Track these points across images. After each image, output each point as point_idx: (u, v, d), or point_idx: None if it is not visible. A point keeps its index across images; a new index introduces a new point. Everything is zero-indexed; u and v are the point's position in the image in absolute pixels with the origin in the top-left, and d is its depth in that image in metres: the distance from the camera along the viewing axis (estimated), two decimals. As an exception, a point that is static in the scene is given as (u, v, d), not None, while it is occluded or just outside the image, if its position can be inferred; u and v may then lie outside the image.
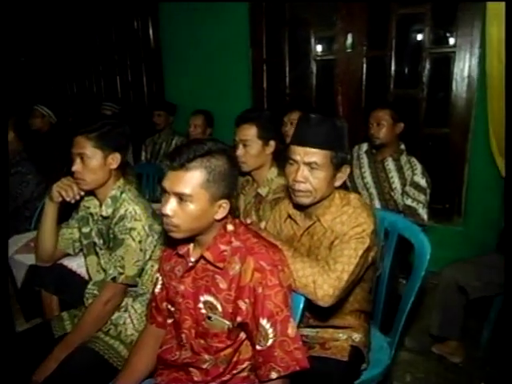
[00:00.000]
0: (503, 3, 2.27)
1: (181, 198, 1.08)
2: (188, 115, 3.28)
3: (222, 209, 1.12)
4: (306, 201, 1.29)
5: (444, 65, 2.71)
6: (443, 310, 2.14)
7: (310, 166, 1.25)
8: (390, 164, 2.33)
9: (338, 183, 1.30)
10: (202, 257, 1.17)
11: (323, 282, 1.19)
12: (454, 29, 2.64)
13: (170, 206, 1.09)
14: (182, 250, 1.21)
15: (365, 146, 2.48)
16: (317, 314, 1.39)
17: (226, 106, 3.19)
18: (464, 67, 2.64)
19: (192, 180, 1.07)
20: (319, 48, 3.17)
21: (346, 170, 1.31)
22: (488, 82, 2.42)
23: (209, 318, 1.17)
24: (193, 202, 1.08)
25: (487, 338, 2.24)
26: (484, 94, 2.47)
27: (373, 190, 2.34)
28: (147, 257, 1.53)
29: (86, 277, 1.73)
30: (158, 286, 1.32)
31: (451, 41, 2.68)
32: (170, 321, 1.30)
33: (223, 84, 3.51)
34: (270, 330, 1.07)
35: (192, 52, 3.60)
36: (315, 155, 1.24)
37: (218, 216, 1.12)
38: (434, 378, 2.09)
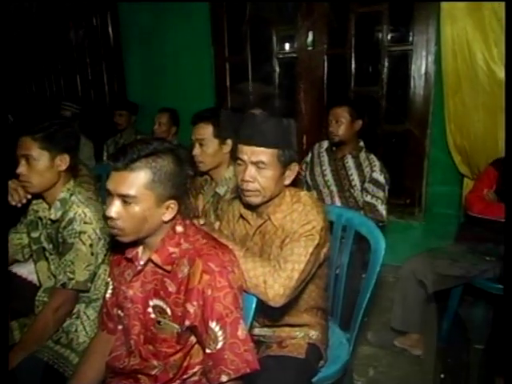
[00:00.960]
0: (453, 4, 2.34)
1: (125, 199, 1.04)
2: (150, 114, 3.22)
3: (170, 210, 1.10)
4: (255, 200, 1.27)
5: (402, 62, 2.76)
6: (403, 303, 2.17)
7: (258, 166, 1.24)
8: (350, 161, 2.35)
9: (287, 181, 1.30)
10: (150, 260, 1.14)
11: (274, 282, 1.17)
12: (410, 27, 2.69)
13: (115, 209, 1.05)
14: (131, 253, 1.18)
15: (325, 144, 2.49)
16: (273, 313, 1.38)
17: (190, 104, 3.13)
18: (421, 65, 2.69)
19: (136, 181, 1.04)
20: (281, 46, 3.17)
21: (294, 168, 1.30)
22: (444, 79, 2.48)
23: (158, 322, 1.14)
24: (138, 204, 1.05)
25: (446, 330, 2.29)
26: (441, 90, 2.53)
27: (333, 188, 2.36)
28: (99, 261, 1.49)
29: (38, 283, 1.67)
30: (109, 291, 1.28)
31: (408, 39, 2.72)
32: (120, 327, 1.26)
33: (186, 83, 3.47)
34: (220, 333, 1.05)
35: (154, 50, 3.54)
36: (262, 154, 1.22)
37: (166, 217, 1.10)
38: (396, 371, 2.12)
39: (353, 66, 2.89)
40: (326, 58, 2.97)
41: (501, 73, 2.25)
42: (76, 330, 1.50)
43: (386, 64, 2.78)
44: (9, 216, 1.60)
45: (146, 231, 1.09)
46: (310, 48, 2.99)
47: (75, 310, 1.51)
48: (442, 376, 2.06)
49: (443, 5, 2.37)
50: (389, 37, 2.76)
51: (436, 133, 2.67)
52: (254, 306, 1.20)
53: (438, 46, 2.51)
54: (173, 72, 3.50)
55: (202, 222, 1.34)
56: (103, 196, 1.27)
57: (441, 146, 2.64)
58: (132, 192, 1.04)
